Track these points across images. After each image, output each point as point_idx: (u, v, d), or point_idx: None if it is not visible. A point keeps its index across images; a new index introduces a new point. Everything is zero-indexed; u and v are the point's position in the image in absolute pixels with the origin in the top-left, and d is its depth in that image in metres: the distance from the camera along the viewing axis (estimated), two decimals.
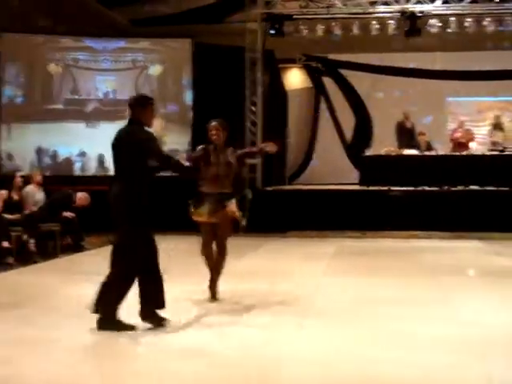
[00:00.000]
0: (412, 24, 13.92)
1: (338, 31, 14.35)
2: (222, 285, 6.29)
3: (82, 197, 9.85)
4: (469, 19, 13.86)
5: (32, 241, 8.89)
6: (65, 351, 4.51)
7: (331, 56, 16.73)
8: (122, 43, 13.98)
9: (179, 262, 8.13)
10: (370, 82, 16.57)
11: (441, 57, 16.07)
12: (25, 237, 8.95)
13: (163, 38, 14.16)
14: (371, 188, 12.99)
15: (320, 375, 4.02)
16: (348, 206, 12.46)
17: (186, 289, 6.50)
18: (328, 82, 16.96)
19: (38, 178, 9.88)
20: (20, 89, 13.47)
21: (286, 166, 16.30)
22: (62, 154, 13.48)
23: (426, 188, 12.67)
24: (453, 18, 13.92)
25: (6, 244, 8.57)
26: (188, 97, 13.80)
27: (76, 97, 13.61)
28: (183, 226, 7.00)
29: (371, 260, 9.04)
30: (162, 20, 15.02)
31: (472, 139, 13.86)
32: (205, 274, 6.18)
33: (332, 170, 16.03)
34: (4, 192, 9.00)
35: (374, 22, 14.26)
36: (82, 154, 13.52)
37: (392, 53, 15.78)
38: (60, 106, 13.57)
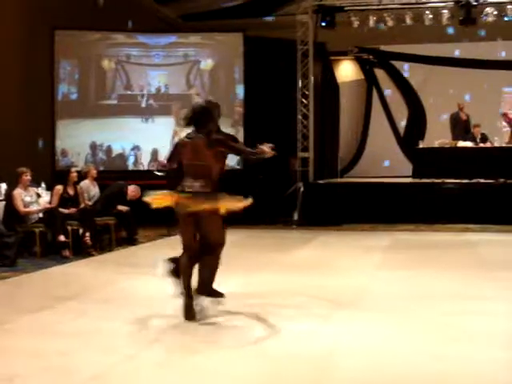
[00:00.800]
0: (467, 13, 13.64)
1: (390, 22, 14.17)
2: (274, 277, 6.26)
3: (133, 189, 9.97)
4: None
5: (87, 234, 9.04)
6: (119, 343, 4.58)
7: (383, 47, 16.54)
8: (173, 38, 14.08)
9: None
10: (423, 73, 16.32)
11: (497, 46, 15.71)
12: (81, 230, 9.12)
13: (214, 32, 14.22)
14: (425, 181, 12.81)
15: (373, 369, 3.97)
16: (401, 199, 12.32)
17: (240, 282, 6.52)
18: (380, 73, 16.78)
19: (93, 173, 10.02)
20: (74, 85, 13.67)
21: (338, 159, 16.21)
22: (116, 148, 13.67)
23: (481, 180, 12.42)
24: (510, 6, 13.59)
25: (62, 238, 8.75)
26: (239, 91, 13.82)
27: (129, 92, 13.78)
28: None
29: (425, 253, 8.90)
30: (213, 14, 15.08)
31: None
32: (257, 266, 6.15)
33: (385, 162, 15.88)
34: (60, 187, 9.17)
35: (428, 12, 14.03)
36: (136, 149, 13.68)
37: (446, 43, 15.49)
38: (113, 102, 13.75)
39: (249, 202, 5.17)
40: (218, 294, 5.41)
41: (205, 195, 5.09)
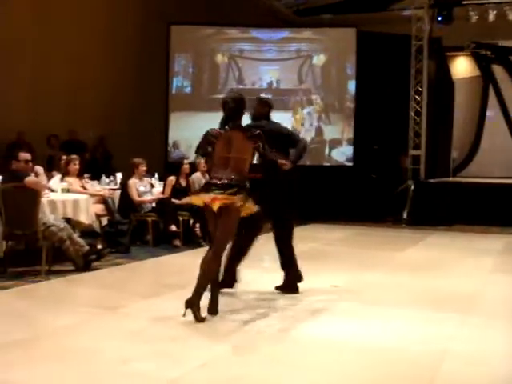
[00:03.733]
0: None
1: (510, 16, 13.62)
2: (382, 276, 6.15)
3: None
4: None
5: (198, 225, 9.21)
6: (227, 332, 4.64)
7: (502, 42, 15.92)
8: (286, 33, 14.11)
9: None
10: None
11: None
12: (191, 221, 9.31)
13: (327, 27, 14.13)
14: None
15: (482, 375, 3.84)
16: None
17: (348, 279, 6.47)
18: (498, 70, 16.17)
19: (203, 165, 10.18)
20: (188, 79, 13.96)
21: (450, 158, 15.77)
22: None
23: None
24: None
25: (173, 228, 8.96)
26: (351, 86, 13.68)
27: (241, 86, 13.90)
28: None
29: None
30: (326, 9, 14.99)
31: None
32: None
33: (500, 162, 15.33)
34: (173, 178, 9.38)
35: None
36: None
37: None
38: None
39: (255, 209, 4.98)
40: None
41: (236, 189, 4.88)
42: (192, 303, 4.82)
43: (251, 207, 4.97)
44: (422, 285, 6.54)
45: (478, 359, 4.15)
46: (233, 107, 5.20)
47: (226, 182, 4.92)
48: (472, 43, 15.96)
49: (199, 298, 4.87)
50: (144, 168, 9.21)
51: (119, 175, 10.01)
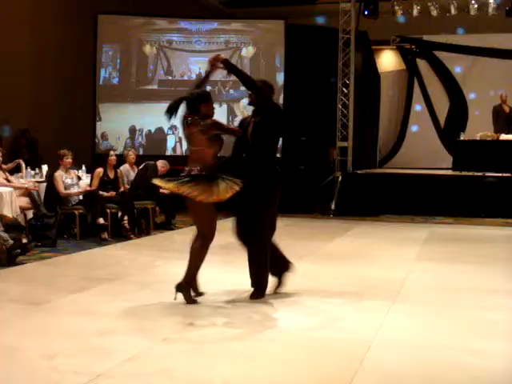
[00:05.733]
0: None
1: (434, 11, 13.98)
2: (311, 266, 6.26)
3: (163, 164, 10.07)
4: None
5: (126, 218, 9.12)
6: (155, 325, 4.62)
7: (426, 37, 16.32)
8: (215, 25, 14.07)
9: None
10: (467, 64, 16.06)
11: None
12: (119, 214, 9.20)
13: (256, 19, 14.17)
14: (465, 173, 12.64)
15: (406, 362, 3.94)
16: (440, 192, 12.19)
17: None
18: (422, 64, 16.57)
19: (131, 157, 10.09)
20: (115, 70, 13.78)
21: (377, 150, 16.09)
22: (155, 133, 13.74)
23: None
24: None
25: (101, 220, 8.83)
26: (280, 78, 13.76)
27: (169, 78, 13.83)
28: None
29: (464, 247, 8.80)
30: (256, 1, 15.03)
31: None
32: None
33: (424, 154, 15.71)
34: (100, 170, 9.24)
35: (473, 2, 13.81)
36: (175, 134, 13.73)
37: (491, 33, 15.20)
38: (154, 87, 13.82)
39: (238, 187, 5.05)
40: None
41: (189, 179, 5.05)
42: (181, 287, 5.18)
43: (222, 190, 5.00)
44: (349, 274, 6.66)
45: (404, 347, 4.26)
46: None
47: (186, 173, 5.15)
48: (397, 37, 16.30)
49: (189, 283, 5.21)
50: (69, 160, 9.03)
51: (45, 167, 9.80)
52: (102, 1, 13.19)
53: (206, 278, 5.46)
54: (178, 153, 13.70)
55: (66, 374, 3.64)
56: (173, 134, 13.69)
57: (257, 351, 4.10)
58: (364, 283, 6.19)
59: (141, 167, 10.00)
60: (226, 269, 6.62)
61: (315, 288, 5.95)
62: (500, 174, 12.24)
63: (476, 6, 13.81)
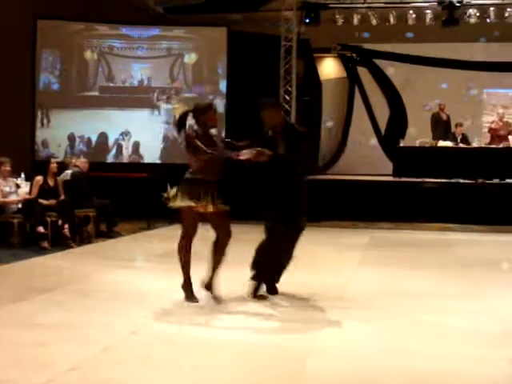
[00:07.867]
0: (450, 14, 13.76)
1: (374, 21, 14.23)
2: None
3: (84, 163, 10.00)
4: (509, 9, 13.65)
5: (66, 226, 8.97)
6: (96, 335, 4.55)
7: (366, 46, 16.60)
8: (156, 31, 14.00)
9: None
10: (406, 73, 16.40)
11: (478, 47, 15.84)
12: (60, 222, 9.05)
13: (198, 26, 14.16)
14: (405, 179, 12.88)
15: (347, 369, 3.97)
16: (381, 197, 12.38)
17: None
18: (363, 72, 16.84)
19: (74, 164, 9.95)
20: (55, 75, 13.57)
21: (319, 156, 16.24)
22: (97, 140, 13.57)
23: (461, 181, 12.53)
24: (492, 8, 13.72)
25: (41, 229, 8.67)
26: (222, 86, 13.77)
27: (111, 84, 13.68)
28: None
29: (404, 252, 8.97)
30: (198, 8, 15.01)
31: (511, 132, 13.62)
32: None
33: (365, 160, 15.95)
34: (40, 178, 9.09)
35: (411, 12, 14.13)
36: (116, 141, 13.59)
37: (429, 43, 15.57)
38: (95, 93, 13.65)
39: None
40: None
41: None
42: (182, 285, 5.54)
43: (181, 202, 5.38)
44: (291, 280, 6.68)
45: (343, 353, 4.29)
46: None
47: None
48: (338, 45, 16.53)
49: (187, 284, 5.52)
50: (8, 168, 8.86)
51: None
52: (41, 5, 12.95)
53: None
54: (120, 160, 13.57)
55: None
56: (115, 141, 13.56)
57: (201, 360, 4.09)
58: (307, 289, 6.22)
59: (67, 179, 9.67)
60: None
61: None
62: (438, 180, 12.52)
63: (414, 15, 14.11)
